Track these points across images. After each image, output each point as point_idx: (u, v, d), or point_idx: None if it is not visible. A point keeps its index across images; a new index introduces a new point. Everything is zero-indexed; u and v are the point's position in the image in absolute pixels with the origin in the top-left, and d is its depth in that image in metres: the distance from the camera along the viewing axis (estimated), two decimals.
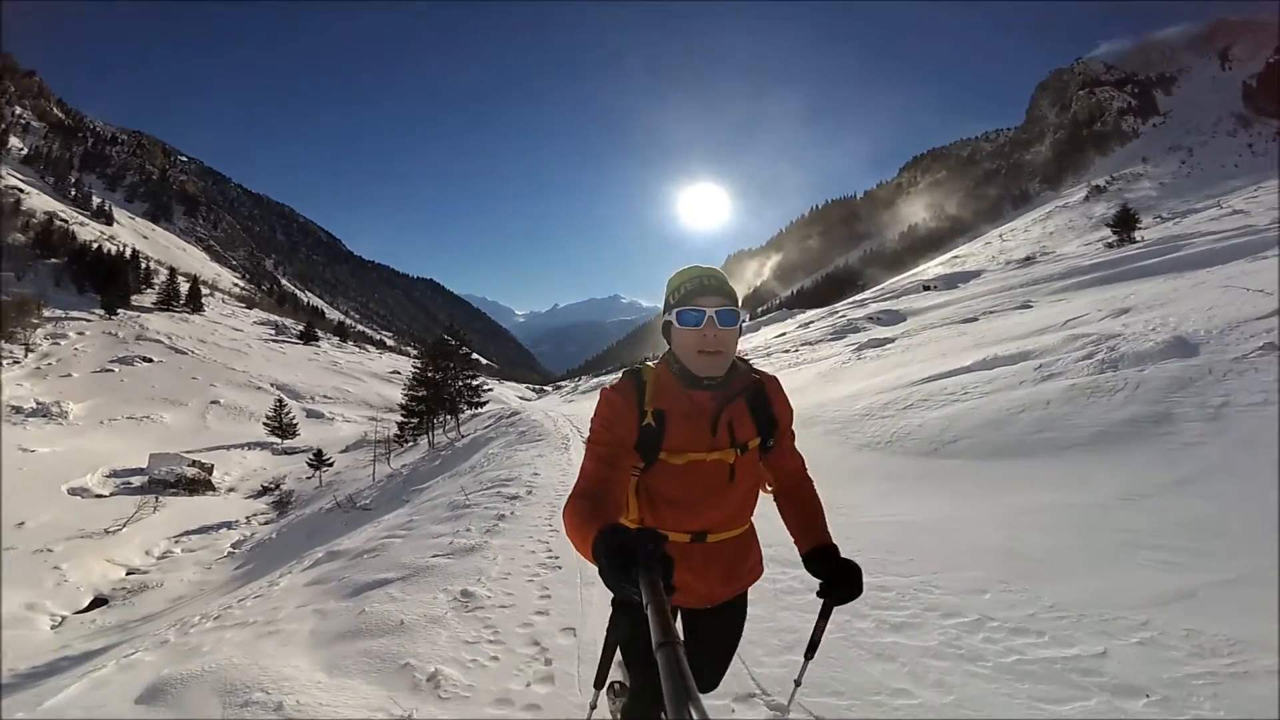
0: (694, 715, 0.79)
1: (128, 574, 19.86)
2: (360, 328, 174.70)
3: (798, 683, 2.34)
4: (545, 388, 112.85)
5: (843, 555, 1.95)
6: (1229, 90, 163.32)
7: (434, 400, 32.69)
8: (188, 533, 23.88)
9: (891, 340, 18.72)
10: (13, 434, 37.30)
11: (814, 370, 17.65)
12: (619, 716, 2.63)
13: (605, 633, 1.92)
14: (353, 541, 7.59)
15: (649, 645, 0.95)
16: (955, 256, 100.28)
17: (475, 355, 40.97)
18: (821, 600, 1.94)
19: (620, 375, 2.00)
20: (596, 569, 1.25)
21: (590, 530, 1.36)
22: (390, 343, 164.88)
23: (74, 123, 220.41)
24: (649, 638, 0.95)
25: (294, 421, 44.67)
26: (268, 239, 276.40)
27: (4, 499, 24.28)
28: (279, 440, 43.15)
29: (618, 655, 2.10)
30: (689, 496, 1.92)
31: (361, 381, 72.71)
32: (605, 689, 2.70)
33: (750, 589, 2.17)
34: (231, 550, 21.42)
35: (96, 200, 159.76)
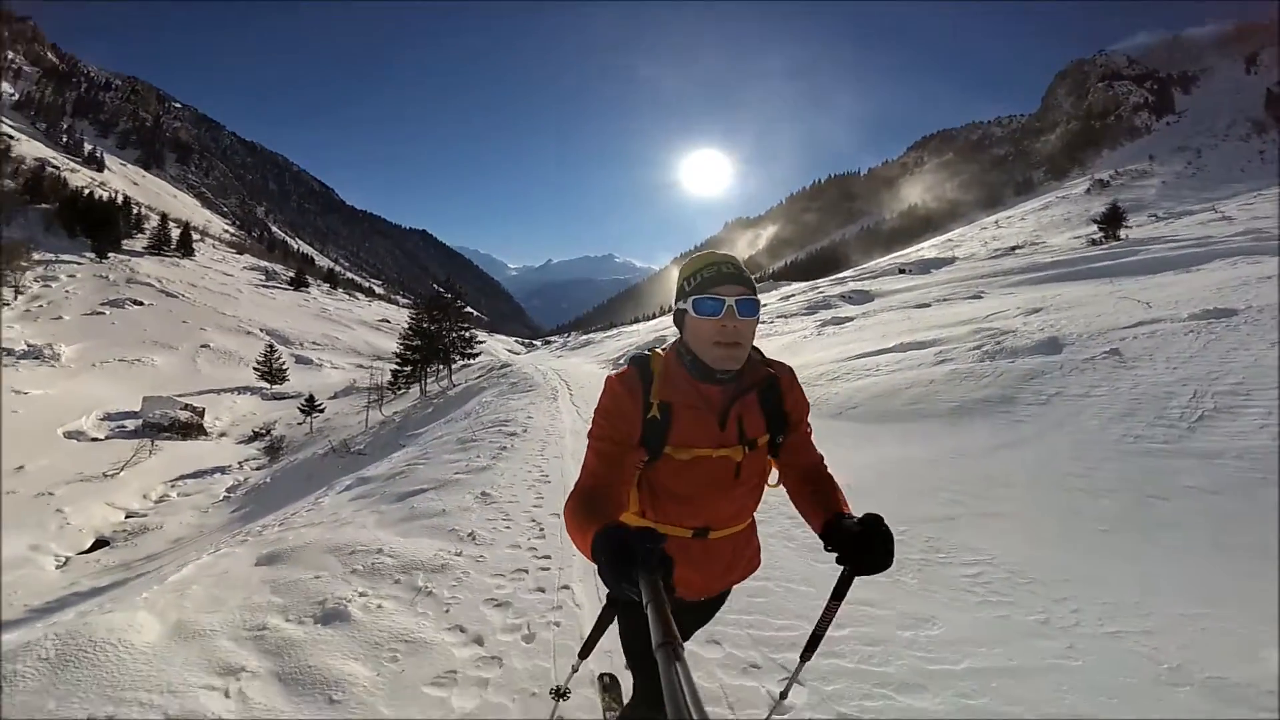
0: (694, 715, 0.79)
1: (127, 517, 20.49)
2: (350, 275, 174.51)
3: (783, 695, 2.23)
4: (535, 342, 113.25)
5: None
6: (1250, 94, 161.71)
7: (428, 350, 34.28)
8: (183, 477, 24.61)
9: (851, 319, 20.01)
10: (6, 376, 37.93)
11: (780, 341, 18.90)
12: (608, 713, 2.70)
13: (597, 619, 1.85)
14: (378, 470, 9.29)
15: (649, 645, 0.97)
16: (948, 239, 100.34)
17: (469, 309, 42.40)
18: (839, 575, 1.72)
19: (627, 364, 1.95)
20: (596, 568, 1.26)
21: (590, 529, 1.37)
22: (379, 290, 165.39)
23: (68, 68, 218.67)
24: (648, 638, 0.97)
25: (284, 367, 45.66)
26: (260, 187, 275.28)
27: (3, 447, 24.84)
28: (269, 385, 43.96)
29: (604, 646, 2.15)
30: (692, 492, 1.88)
31: (350, 329, 73.95)
32: (595, 681, 2.87)
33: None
34: (227, 494, 22.29)
35: (88, 147, 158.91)
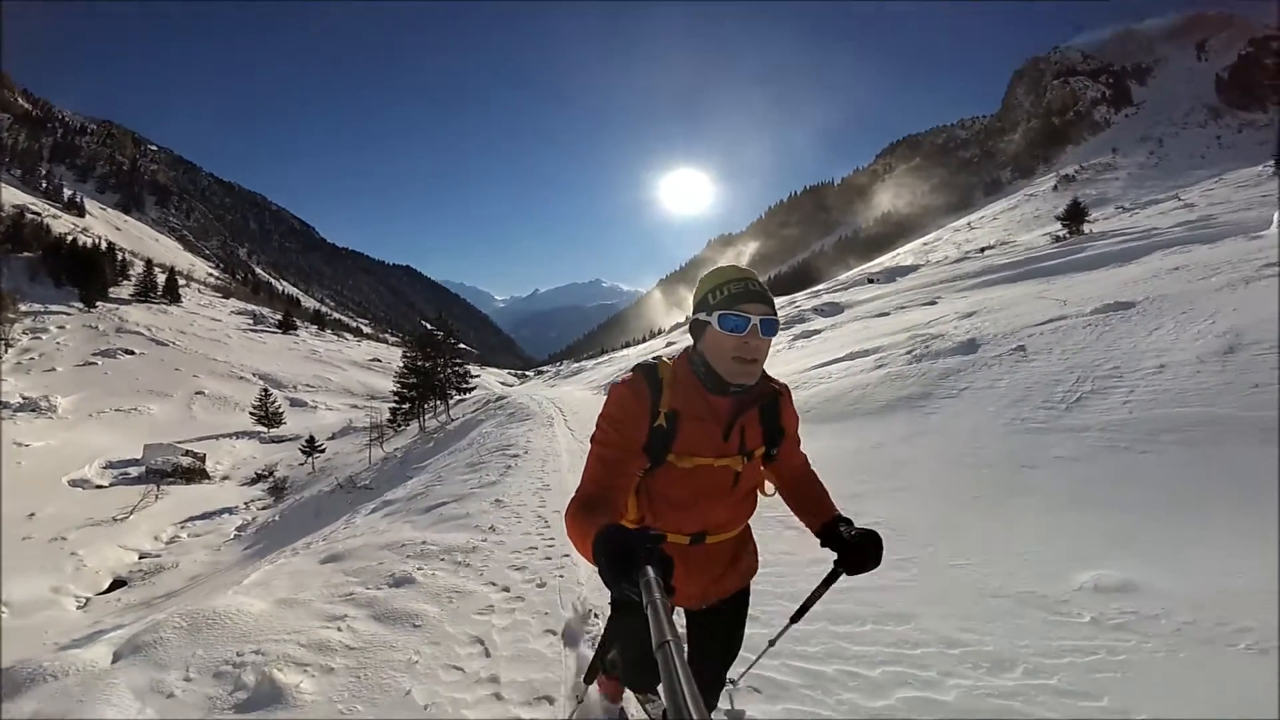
0: (694, 715, 0.80)
1: (140, 558, 21.36)
2: (336, 315, 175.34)
3: (771, 642, 2.40)
4: (527, 373, 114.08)
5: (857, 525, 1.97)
6: (1202, 82, 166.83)
7: (424, 387, 35.41)
8: (192, 519, 25.61)
9: (819, 331, 21.40)
10: (18, 427, 39.23)
11: None
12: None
13: (604, 630, 1.83)
14: (398, 494, 10.73)
15: (647, 646, 0.98)
16: (924, 244, 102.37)
17: (462, 345, 43.60)
18: (831, 568, 1.98)
19: (633, 370, 1.97)
20: (596, 569, 1.28)
21: (590, 531, 1.39)
22: (367, 329, 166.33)
23: (42, 113, 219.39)
24: (647, 639, 0.98)
25: (279, 410, 46.65)
26: (240, 228, 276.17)
27: (6, 493, 25.72)
28: (265, 429, 44.79)
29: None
30: (691, 500, 1.94)
31: (342, 370, 74.49)
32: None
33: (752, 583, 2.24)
34: (237, 533, 23.17)
35: (68, 192, 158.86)
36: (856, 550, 1.89)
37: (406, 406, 36.81)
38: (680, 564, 1.69)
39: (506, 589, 4.69)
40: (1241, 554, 3.97)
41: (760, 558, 2.28)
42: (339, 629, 3.97)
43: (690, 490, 1.93)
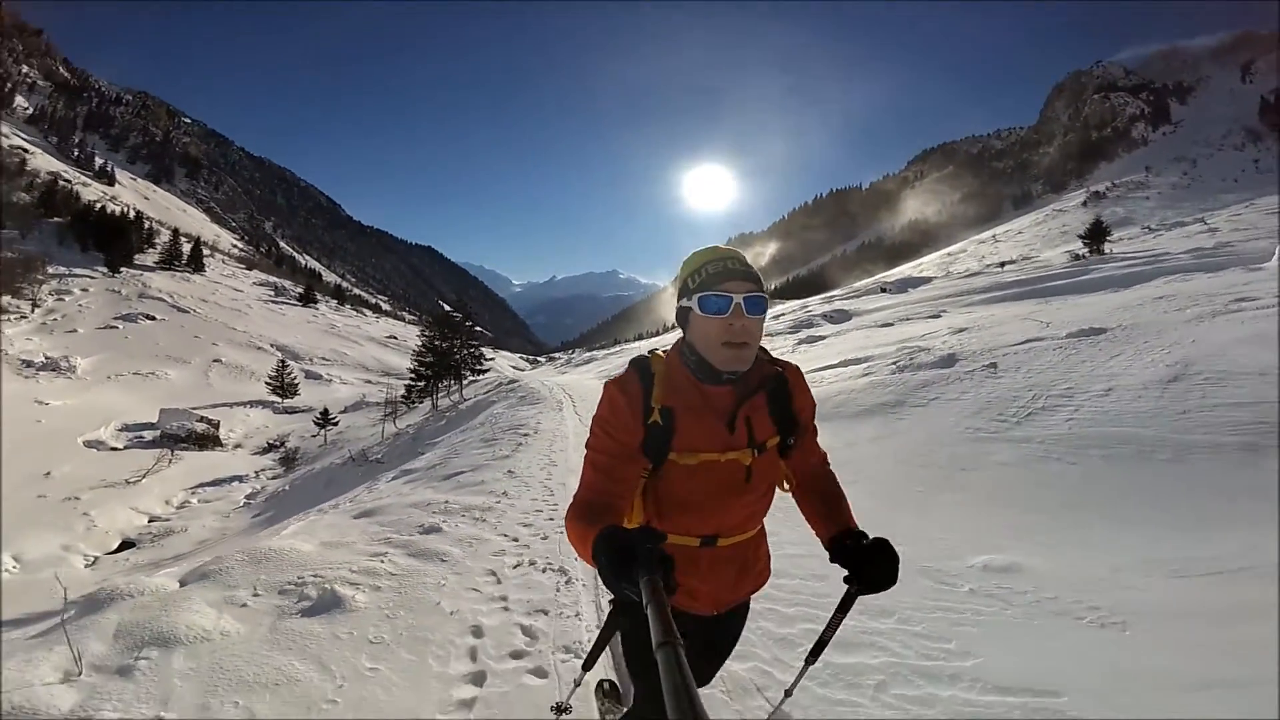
0: (695, 715, 0.81)
1: (149, 521, 22.00)
2: (357, 291, 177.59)
3: (788, 693, 2.27)
4: (539, 359, 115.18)
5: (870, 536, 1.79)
6: (1245, 104, 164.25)
7: (440, 366, 36.64)
8: (202, 485, 26.33)
9: (824, 337, 22.11)
10: (26, 386, 40.20)
11: None
12: (607, 718, 2.82)
13: (603, 624, 1.66)
14: (417, 465, 11.77)
15: (650, 649, 0.98)
16: (948, 254, 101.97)
17: (479, 328, 44.73)
18: (845, 589, 1.80)
19: (626, 367, 1.88)
20: (596, 570, 1.27)
21: (589, 533, 1.37)
22: (386, 306, 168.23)
23: (80, 83, 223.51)
24: (649, 641, 0.98)
25: (295, 382, 47.88)
26: (268, 202, 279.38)
27: (25, 450, 26.82)
28: (280, 400, 45.91)
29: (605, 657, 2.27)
30: (701, 499, 1.83)
31: (359, 345, 76.33)
32: (595, 688, 3.03)
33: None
34: (246, 501, 23.92)
35: (99, 161, 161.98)
36: (868, 563, 1.72)
37: (421, 384, 37.94)
38: (690, 568, 1.79)
39: (516, 539, 5.67)
40: (1116, 549, 4.74)
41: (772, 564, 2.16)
42: (381, 561, 4.92)
43: (698, 489, 1.82)
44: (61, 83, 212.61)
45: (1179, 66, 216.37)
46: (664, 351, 1.90)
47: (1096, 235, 40.32)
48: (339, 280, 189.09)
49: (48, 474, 25.59)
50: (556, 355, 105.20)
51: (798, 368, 1.98)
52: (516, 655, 3.64)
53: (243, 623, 3.84)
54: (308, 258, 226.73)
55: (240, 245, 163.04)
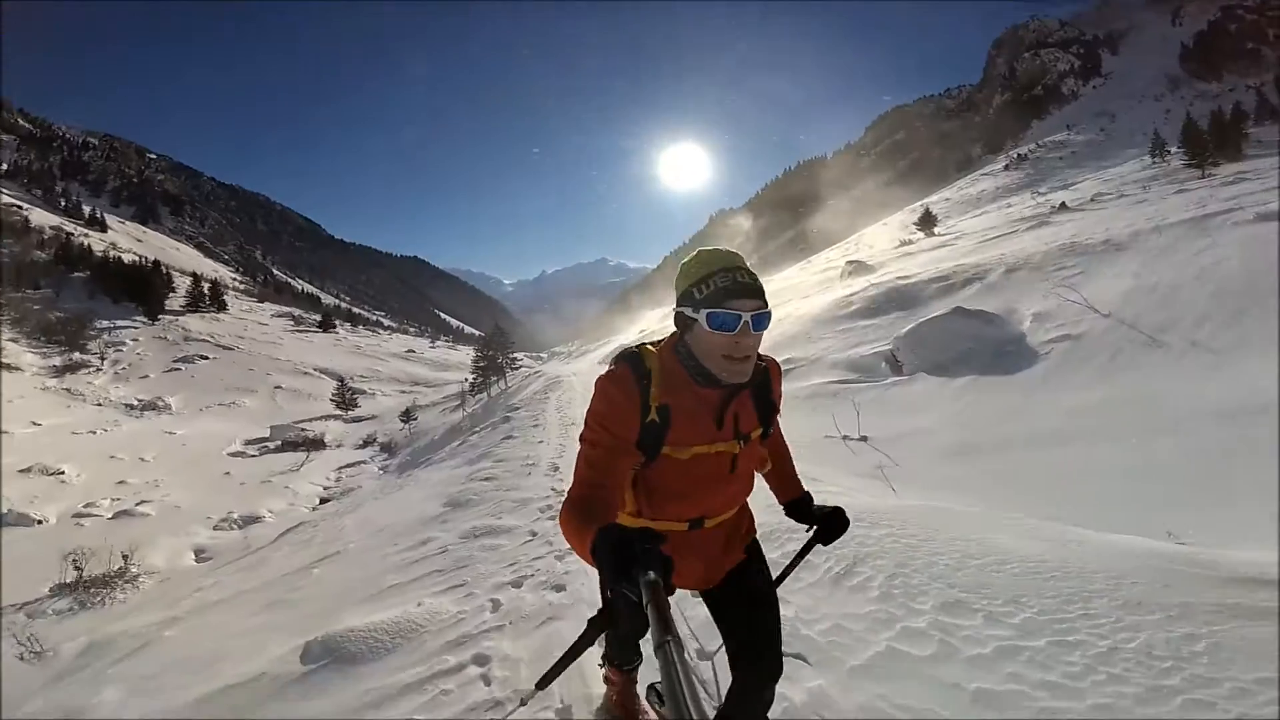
0: (693, 714, 0.86)
1: (325, 489, 30.94)
2: (356, 310, 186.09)
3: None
4: (542, 354, 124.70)
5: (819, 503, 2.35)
6: (1172, 50, 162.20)
7: (490, 369, 49.63)
8: (342, 467, 36.01)
9: None
10: (146, 423, 50.26)
11: None
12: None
13: (575, 641, 1.54)
14: (503, 421, 22.46)
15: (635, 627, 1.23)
16: (885, 224, 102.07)
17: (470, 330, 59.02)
18: (809, 538, 2.30)
19: (617, 364, 1.97)
20: (596, 569, 1.37)
21: (588, 532, 1.44)
22: (388, 323, 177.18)
23: (44, 132, 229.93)
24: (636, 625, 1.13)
25: (354, 397, 58.29)
26: (250, 230, 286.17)
27: (195, 466, 36.54)
28: (344, 412, 55.87)
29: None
30: (690, 488, 2.01)
31: (385, 361, 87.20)
32: (647, 690, 3.20)
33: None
34: (382, 470, 33.76)
35: (87, 208, 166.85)
36: (831, 523, 2.24)
37: (480, 380, 50.59)
38: (679, 549, 1.82)
39: (546, 423, 16.41)
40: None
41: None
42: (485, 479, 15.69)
43: (688, 479, 1.99)
44: (25, 135, 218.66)
45: (1112, 15, 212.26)
46: (656, 346, 2.02)
47: (927, 222, 50.37)
48: (335, 301, 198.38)
49: (227, 473, 35.03)
50: (559, 349, 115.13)
51: (777, 363, 2.17)
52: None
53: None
54: (301, 282, 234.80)
55: (238, 278, 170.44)
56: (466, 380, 52.51)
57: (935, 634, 3.69)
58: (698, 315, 1.80)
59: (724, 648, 2.24)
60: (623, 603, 1.21)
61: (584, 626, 1.42)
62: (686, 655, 1.04)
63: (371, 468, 35.80)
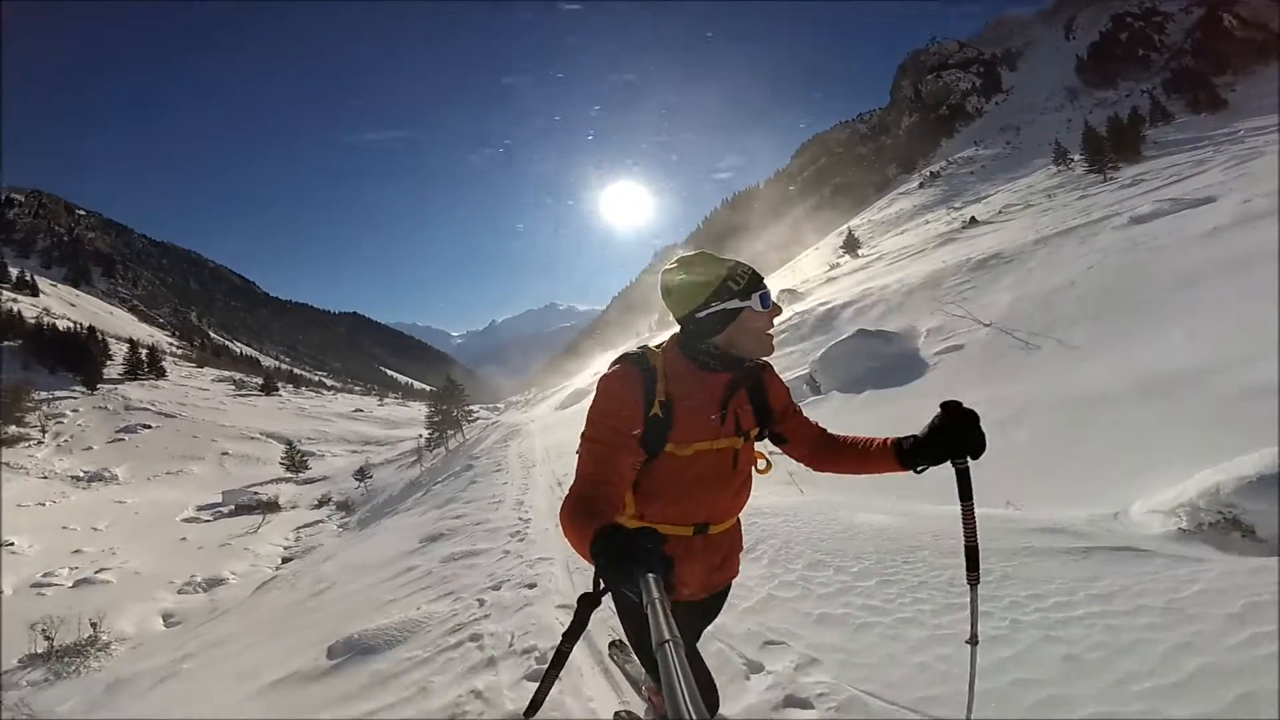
0: (694, 714, 0.87)
1: (286, 549, 33.11)
2: (296, 370, 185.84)
3: (973, 640, 2.23)
4: (499, 405, 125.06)
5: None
6: (1068, 63, 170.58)
7: (445, 423, 51.98)
8: (300, 527, 38.20)
9: None
10: (94, 495, 50.75)
11: None
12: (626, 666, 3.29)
13: (551, 661, 1.58)
14: (480, 462, 24.87)
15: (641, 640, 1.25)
16: (817, 248, 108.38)
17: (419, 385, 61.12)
18: (957, 475, 2.04)
19: (621, 362, 2.05)
20: (595, 569, 1.37)
21: (588, 531, 1.46)
22: (330, 382, 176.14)
23: None
24: (644, 636, 1.09)
25: (304, 459, 59.66)
26: (184, 290, 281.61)
27: (153, 527, 38.29)
28: (295, 475, 57.18)
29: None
30: (693, 487, 2.07)
31: (332, 422, 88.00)
32: (609, 645, 3.68)
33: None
34: (341, 527, 35.95)
35: (14, 271, 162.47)
36: (961, 427, 1.94)
37: (436, 434, 53.11)
38: (684, 556, 1.98)
39: (508, 468, 19.18)
40: None
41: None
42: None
43: (692, 478, 2.05)
44: None
45: (1007, 34, 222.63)
46: (656, 348, 2.10)
47: (850, 246, 54.12)
48: (275, 362, 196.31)
49: (184, 539, 36.81)
50: (515, 398, 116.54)
51: (769, 363, 2.25)
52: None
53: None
54: (240, 344, 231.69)
55: (175, 342, 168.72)
56: (421, 436, 54.82)
57: (800, 583, 5.09)
58: (749, 301, 1.95)
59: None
60: (624, 602, 1.25)
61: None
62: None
63: (330, 526, 37.80)
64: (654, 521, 2.09)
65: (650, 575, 1.20)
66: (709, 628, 2.57)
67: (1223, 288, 15.20)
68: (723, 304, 1.98)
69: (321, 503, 46.87)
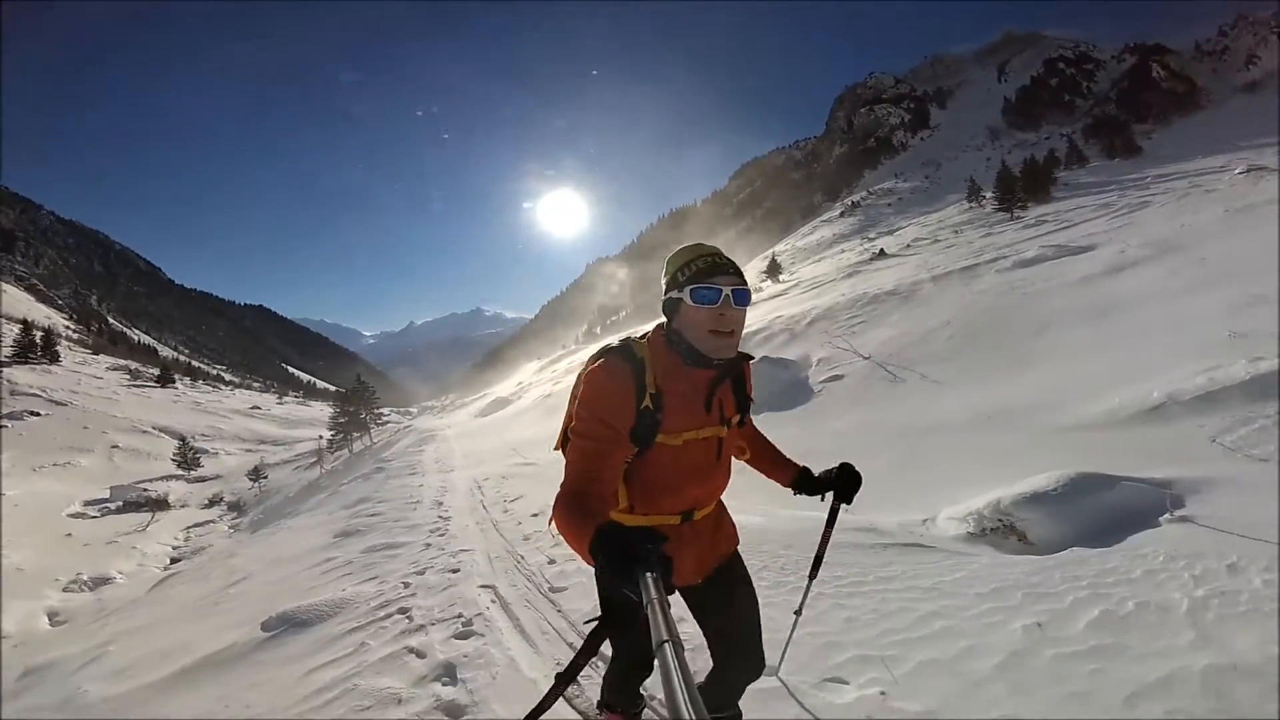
0: (693, 715, 0.87)
1: (174, 549, 32.55)
2: (194, 363, 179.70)
3: (798, 612, 2.89)
4: (411, 409, 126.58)
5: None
6: (996, 103, 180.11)
7: (352, 425, 52.78)
8: (190, 527, 37.99)
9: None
10: None
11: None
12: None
13: (586, 641, 1.70)
14: (392, 464, 26.19)
15: (637, 652, 1.36)
16: (745, 270, 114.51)
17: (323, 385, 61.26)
18: (830, 509, 2.66)
19: (606, 355, 2.13)
20: (595, 568, 1.43)
21: (586, 529, 1.51)
22: (229, 377, 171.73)
23: None
24: (640, 643, 1.16)
25: (198, 456, 59.09)
26: (86, 271, 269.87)
27: (29, 522, 36.54)
28: (187, 472, 56.74)
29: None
30: (681, 477, 2.18)
31: (228, 419, 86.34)
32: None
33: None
34: (232, 529, 35.94)
35: None
36: (846, 482, 2.53)
37: (341, 437, 53.57)
38: (674, 545, 1.85)
39: (424, 471, 20.54)
40: None
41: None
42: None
43: (679, 468, 2.16)
44: None
45: (943, 72, 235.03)
46: (643, 339, 2.21)
47: (773, 270, 57.57)
48: (174, 353, 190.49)
49: (69, 535, 35.95)
50: (430, 404, 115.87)
51: (750, 355, 2.35)
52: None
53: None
54: (139, 332, 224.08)
55: (73, 326, 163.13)
56: (322, 437, 54.91)
57: None
58: (683, 294, 2.04)
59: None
60: (623, 601, 1.33)
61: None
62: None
63: (221, 527, 37.82)
64: (644, 512, 2.23)
65: (650, 575, 1.25)
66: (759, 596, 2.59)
67: (1075, 332, 18.00)
68: (667, 294, 2.15)
69: (213, 502, 46.70)
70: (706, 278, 2.01)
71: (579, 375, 2.25)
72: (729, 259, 2.12)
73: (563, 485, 1.88)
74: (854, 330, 25.81)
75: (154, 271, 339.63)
